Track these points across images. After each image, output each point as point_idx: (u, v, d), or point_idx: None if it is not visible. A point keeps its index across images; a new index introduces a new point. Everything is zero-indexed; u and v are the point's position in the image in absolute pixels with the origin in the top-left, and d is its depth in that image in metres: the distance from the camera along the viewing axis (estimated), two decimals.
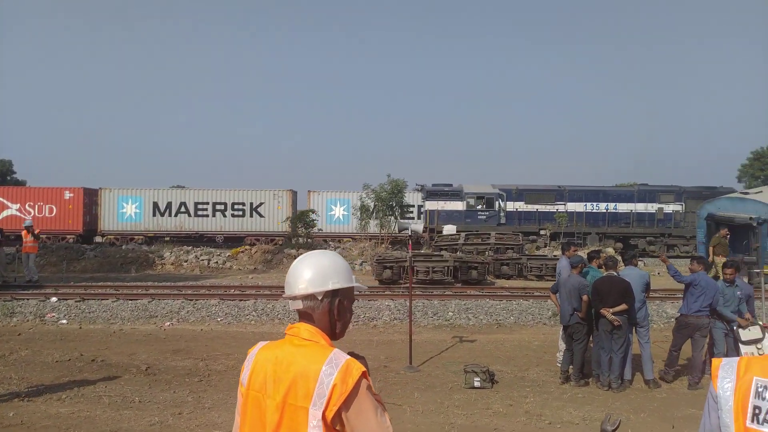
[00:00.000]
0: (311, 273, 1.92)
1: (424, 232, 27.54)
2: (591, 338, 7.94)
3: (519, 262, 20.77)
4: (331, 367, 1.79)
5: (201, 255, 23.61)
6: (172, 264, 22.96)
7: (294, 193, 31.86)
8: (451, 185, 30.37)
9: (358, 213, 28.45)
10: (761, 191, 18.12)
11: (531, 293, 15.37)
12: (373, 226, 28.15)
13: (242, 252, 24.08)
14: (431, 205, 29.04)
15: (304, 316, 1.94)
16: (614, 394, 7.45)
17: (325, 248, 24.82)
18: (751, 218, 16.12)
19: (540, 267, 20.09)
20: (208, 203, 31.51)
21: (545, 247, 27.58)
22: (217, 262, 23.03)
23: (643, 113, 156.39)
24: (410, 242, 10.29)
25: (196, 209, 31.33)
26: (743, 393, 2.05)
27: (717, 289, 7.46)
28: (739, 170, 60.89)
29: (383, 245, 24.89)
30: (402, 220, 25.91)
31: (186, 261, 23.09)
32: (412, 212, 30.93)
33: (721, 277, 7.92)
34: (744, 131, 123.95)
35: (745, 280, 8.41)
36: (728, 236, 15.22)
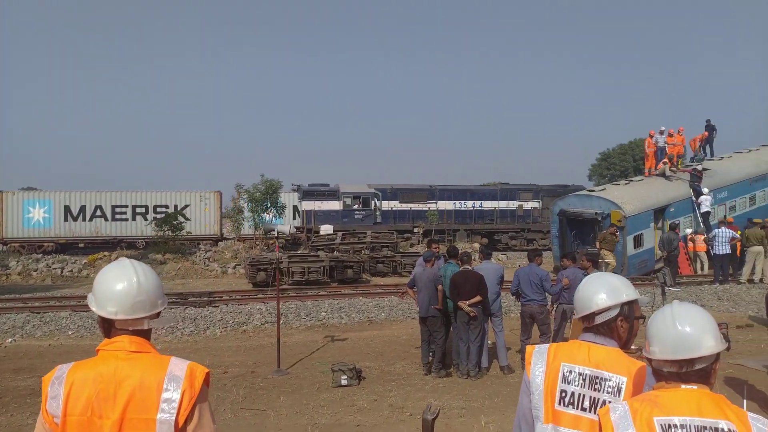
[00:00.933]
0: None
1: (301, 232, 27.37)
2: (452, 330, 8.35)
3: (393, 259, 21.32)
4: (175, 374, 1.81)
5: (53, 263, 21.55)
6: (19, 274, 20.74)
7: (221, 195, 30.30)
8: (327, 185, 30.43)
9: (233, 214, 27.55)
10: (604, 189, 20.13)
11: (403, 289, 15.82)
12: (246, 228, 27.40)
13: (100, 259, 22.33)
14: (308, 206, 28.88)
15: (134, 331, 1.90)
16: (472, 381, 7.89)
17: (195, 252, 23.76)
18: (596, 213, 17.84)
19: (414, 263, 20.73)
20: (127, 206, 29.30)
21: (419, 244, 28.57)
22: (71, 271, 21.15)
23: (504, 118, 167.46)
24: (278, 244, 10.14)
25: (114, 213, 28.98)
26: (552, 378, 2.19)
27: (541, 276, 8.09)
28: (589, 170, 67.39)
29: (258, 247, 24.32)
30: (268, 222, 25.47)
31: (36, 270, 20.96)
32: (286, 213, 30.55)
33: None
34: (595, 133, 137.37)
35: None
36: (617, 233, 16.64)
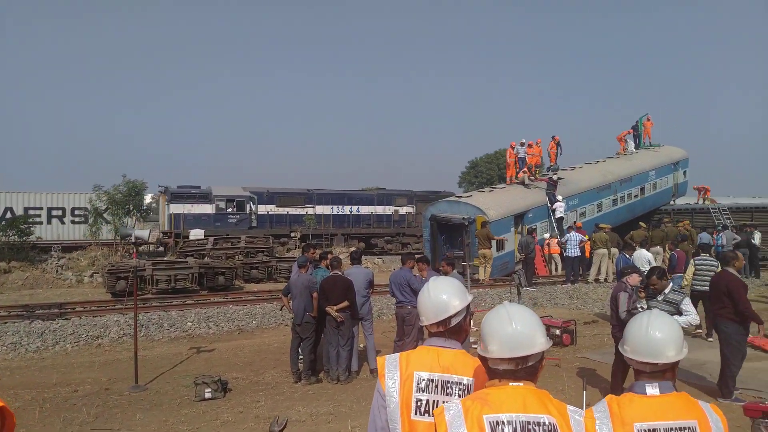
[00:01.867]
0: None
1: (168, 237, 25.84)
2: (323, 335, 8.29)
3: (269, 264, 20.83)
4: None
5: None
6: None
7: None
8: (199, 187, 29.06)
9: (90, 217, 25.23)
10: (471, 195, 21.23)
11: (276, 295, 15.50)
12: (106, 232, 25.27)
13: None
14: (176, 209, 27.32)
15: None
16: (342, 386, 7.89)
17: (46, 259, 21.51)
18: (463, 218, 18.73)
19: (290, 268, 20.41)
20: (42, 208, 26.05)
21: (296, 248, 28.21)
22: None
23: (381, 127, 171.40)
24: (135, 250, 9.45)
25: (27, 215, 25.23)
26: (407, 388, 2.15)
27: (407, 278, 8.24)
28: (459, 177, 70.88)
29: (119, 254, 22.54)
30: (125, 227, 23.78)
31: None
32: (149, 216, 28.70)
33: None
34: (464, 144, 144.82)
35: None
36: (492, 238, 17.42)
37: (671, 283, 6.56)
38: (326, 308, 7.75)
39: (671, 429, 1.96)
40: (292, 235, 29.08)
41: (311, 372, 8.06)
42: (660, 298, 6.59)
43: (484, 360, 1.94)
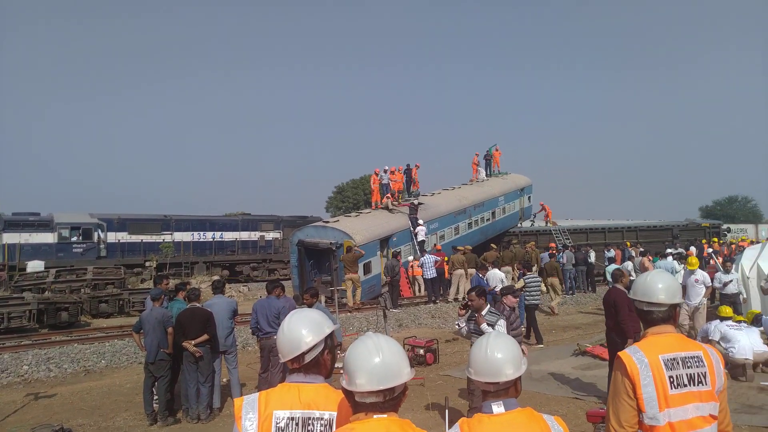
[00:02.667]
0: None
1: (1, 270, 22.93)
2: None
3: (120, 297, 19.27)
4: None
5: None
6: None
7: None
8: (38, 214, 26.22)
9: None
10: (338, 220, 21.45)
11: (128, 331, 14.33)
12: None
13: None
14: (11, 238, 24.37)
15: None
16: (204, 425, 7.47)
17: None
18: (330, 243, 18.83)
19: (144, 301, 19.05)
20: None
21: (151, 279, 26.39)
22: None
23: (245, 149, 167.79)
24: None
25: None
26: (266, 428, 2.07)
27: (278, 308, 8.02)
28: (326, 201, 71.22)
29: None
30: None
31: None
32: None
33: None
34: (329, 169, 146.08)
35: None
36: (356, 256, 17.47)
37: (488, 306, 6.32)
38: (183, 343, 7.31)
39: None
40: (147, 264, 27.21)
41: (168, 412, 7.52)
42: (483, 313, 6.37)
43: (349, 394, 1.93)
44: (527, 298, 12.78)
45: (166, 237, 28.82)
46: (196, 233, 29.89)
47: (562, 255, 21.29)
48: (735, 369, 8.46)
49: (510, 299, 7.16)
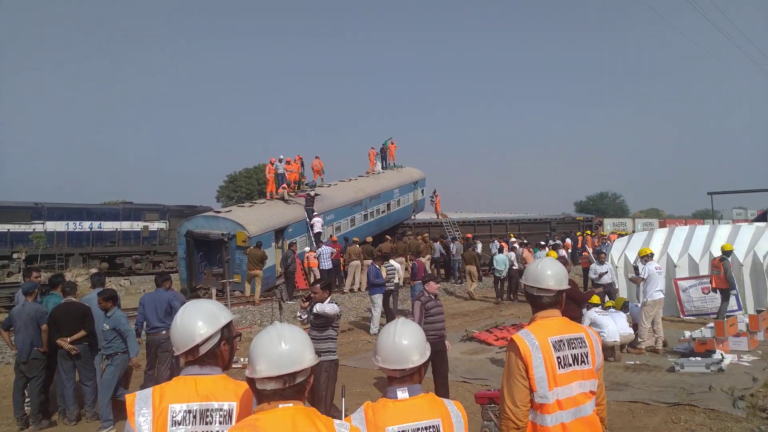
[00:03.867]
0: None
1: None
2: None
3: None
4: None
5: None
6: None
7: None
8: None
9: None
10: (231, 210, 20.77)
11: None
12: None
13: None
14: None
15: None
16: (89, 422, 6.97)
17: None
18: (222, 234, 18.19)
19: (11, 296, 17.32)
20: None
21: (20, 272, 24.02)
22: None
23: (124, 133, 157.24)
24: None
25: None
26: (161, 424, 2.00)
27: (168, 299, 7.74)
28: (217, 191, 68.73)
29: None
30: None
31: None
32: None
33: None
34: (222, 156, 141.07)
35: None
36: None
37: (329, 299, 6.19)
38: (58, 341, 6.74)
39: (418, 429, 2.15)
40: (15, 256, 24.74)
41: (42, 415, 6.92)
42: (317, 309, 6.15)
43: (251, 382, 1.91)
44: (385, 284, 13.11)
45: (38, 226, 26.33)
46: (71, 223, 27.54)
47: (452, 246, 22.16)
48: (605, 351, 9.28)
49: (432, 286, 7.36)
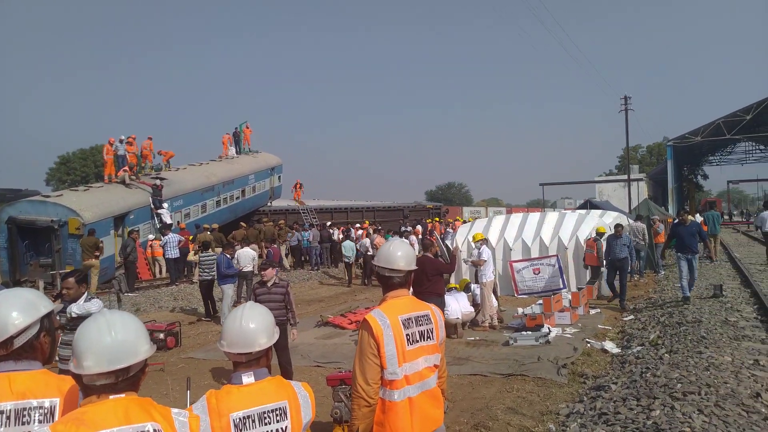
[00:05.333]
0: None
1: None
2: None
3: None
4: None
5: None
6: None
7: None
8: None
9: None
10: (62, 194, 18.71)
11: None
12: None
13: None
14: None
15: None
16: None
17: None
18: (52, 221, 16.36)
19: None
20: None
21: None
22: None
23: None
24: None
25: None
26: None
27: None
28: (47, 174, 61.73)
29: None
30: None
31: None
32: None
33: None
34: (52, 135, 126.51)
35: None
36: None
37: (85, 295, 5.33)
38: None
39: (264, 413, 2.10)
40: None
41: None
42: (75, 311, 5.12)
43: (77, 377, 1.74)
44: (201, 274, 12.84)
45: None
46: None
47: (309, 233, 22.13)
48: (448, 328, 9.90)
49: (266, 273, 7.21)
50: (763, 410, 5.05)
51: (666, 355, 7.23)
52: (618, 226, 12.59)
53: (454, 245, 15.08)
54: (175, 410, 1.88)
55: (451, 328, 9.89)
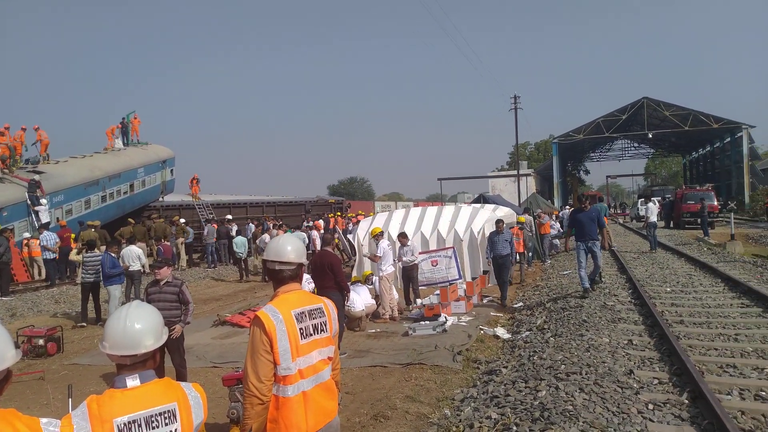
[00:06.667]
0: None
1: None
2: None
3: None
4: None
5: None
6: None
7: None
8: None
9: None
10: None
11: None
12: None
13: None
14: None
15: None
16: None
17: None
18: None
19: None
20: None
21: None
22: None
23: None
24: None
25: None
26: None
27: None
28: None
29: None
30: None
31: None
32: None
33: None
34: None
35: None
36: None
37: None
38: None
39: (151, 416, 2.00)
40: None
41: None
42: None
43: None
44: (84, 276, 12.03)
45: None
46: None
47: (205, 229, 21.33)
48: (353, 321, 9.96)
49: (160, 272, 6.84)
50: (635, 385, 5.55)
51: (551, 338, 7.74)
52: (499, 222, 12.30)
53: (356, 239, 15.21)
54: (44, 420, 1.74)
55: (356, 321, 9.96)
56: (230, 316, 11.36)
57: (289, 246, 2.85)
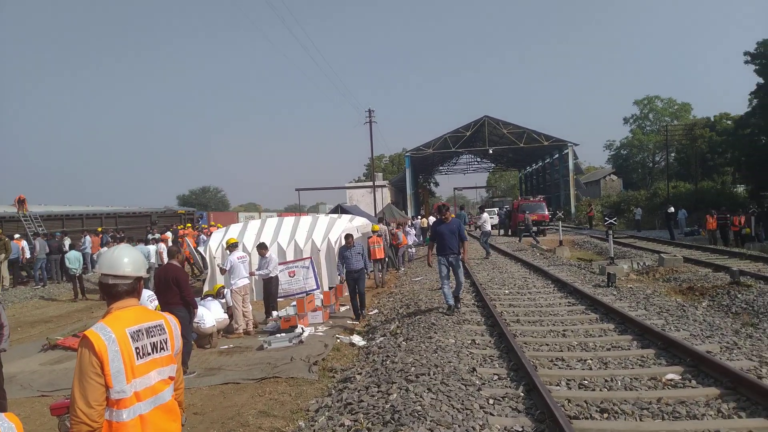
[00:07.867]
0: None
1: None
2: None
3: None
4: None
5: None
6: None
7: None
8: None
9: None
10: None
11: None
12: None
13: None
14: None
15: None
16: None
17: None
18: None
19: None
20: None
21: None
22: None
23: None
24: None
25: None
26: None
27: None
28: None
29: None
30: None
31: None
32: None
33: None
34: None
35: None
36: None
37: None
38: None
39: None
40: None
41: None
42: None
43: None
44: None
45: None
46: None
47: (34, 244, 19.08)
48: (203, 339, 9.48)
49: None
50: (478, 382, 5.94)
51: (403, 342, 8.02)
52: (348, 237, 11.70)
53: (207, 251, 14.56)
54: None
55: (206, 338, 9.50)
56: (62, 339, 10.23)
57: (125, 258, 2.64)
